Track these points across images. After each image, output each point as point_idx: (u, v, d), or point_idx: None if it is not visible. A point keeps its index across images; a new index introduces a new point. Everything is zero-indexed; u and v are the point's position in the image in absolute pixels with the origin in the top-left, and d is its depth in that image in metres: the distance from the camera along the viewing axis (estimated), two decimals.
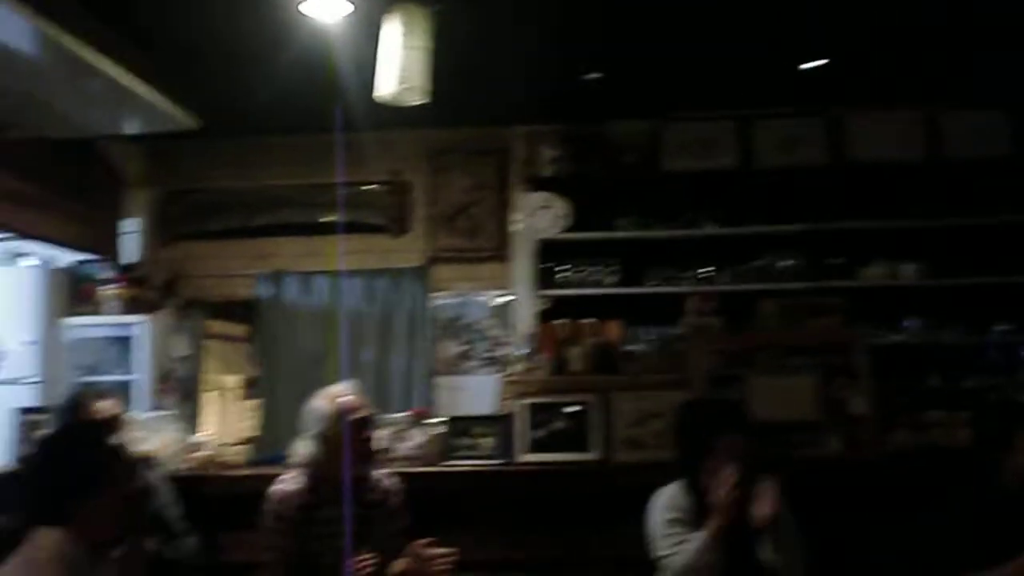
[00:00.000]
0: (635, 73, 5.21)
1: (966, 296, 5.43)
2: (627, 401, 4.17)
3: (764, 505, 3.01)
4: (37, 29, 3.79)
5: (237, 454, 4.40)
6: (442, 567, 3.02)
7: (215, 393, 6.46)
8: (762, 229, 5.64)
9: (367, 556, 3.05)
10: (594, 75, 5.20)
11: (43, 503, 1.95)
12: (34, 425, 4.31)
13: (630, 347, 4.89)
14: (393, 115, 4.54)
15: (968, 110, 5.59)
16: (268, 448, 5.60)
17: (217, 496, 4.02)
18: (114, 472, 1.99)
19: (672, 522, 3.12)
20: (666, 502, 3.18)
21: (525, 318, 5.78)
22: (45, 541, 1.90)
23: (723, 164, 5.75)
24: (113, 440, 2.06)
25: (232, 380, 6.73)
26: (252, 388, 6.64)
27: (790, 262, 5.62)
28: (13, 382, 5.28)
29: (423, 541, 3.05)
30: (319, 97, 4.86)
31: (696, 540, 3.01)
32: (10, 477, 4.14)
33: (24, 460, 4.17)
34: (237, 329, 6.66)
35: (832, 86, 5.38)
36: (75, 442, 2.10)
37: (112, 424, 3.43)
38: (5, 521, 3.71)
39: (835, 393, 4.08)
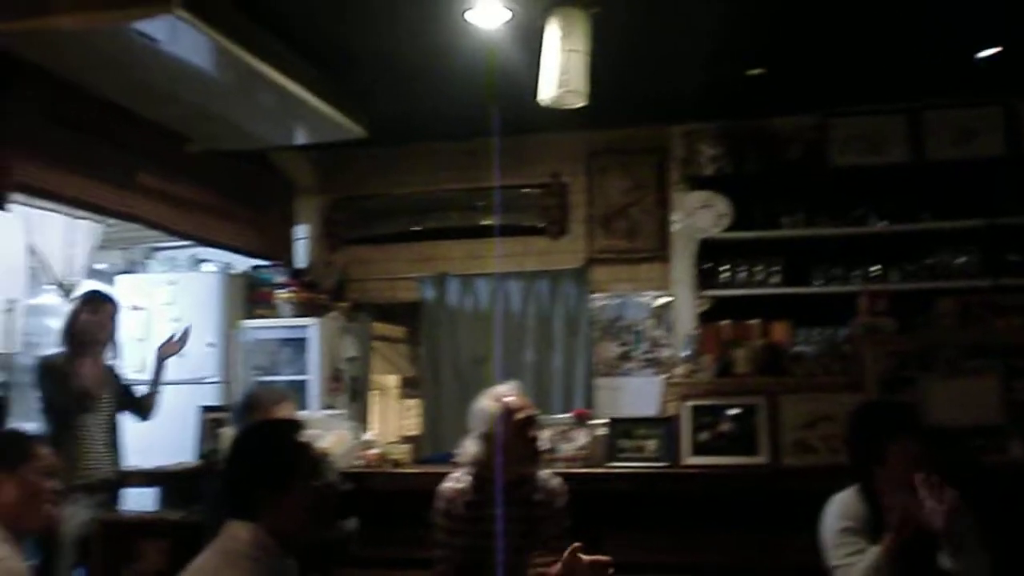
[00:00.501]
0: (800, 66, 5.09)
1: None
2: (796, 403, 4.06)
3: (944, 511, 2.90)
4: (213, 44, 3.98)
5: (402, 453, 4.51)
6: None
7: (377, 392, 6.66)
8: (936, 225, 5.41)
9: (539, 560, 3.04)
10: (757, 71, 5.09)
11: (236, 496, 2.04)
12: (216, 423, 4.53)
13: (798, 348, 4.76)
14: (551, 118, 4.59)
15: None
16: (430, 447, 5.73)
17: (380, 492, 4.11)
18: (303, 467, 2.07)
19: (846, 531, 3.02)
20: (839, 509, 3.08)
21: (686, 319, 5.71)
22: (239, 534, 2.00)
23: (894, 158, 5.55)
24: (301, 437, 2.15)
25: (392, 380, 6.92)
26: (410, 388, 6.81)
27: (965, 259, 5.37)
28: (197, 382, 5.59)
29: (578, 545, 3.02)
30: (479, 103, 4.96)
31: (870, 556, 2.90)
32: (197, 472, 4.38)
33: (208, 455, 4.40)
34: (397, 330, 6.85)
35: (1010, 75, 5.13)
36: (267, 438, 2.20)
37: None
38: (194, 513, 3.95)
39: (1019, 396, 3.88)
